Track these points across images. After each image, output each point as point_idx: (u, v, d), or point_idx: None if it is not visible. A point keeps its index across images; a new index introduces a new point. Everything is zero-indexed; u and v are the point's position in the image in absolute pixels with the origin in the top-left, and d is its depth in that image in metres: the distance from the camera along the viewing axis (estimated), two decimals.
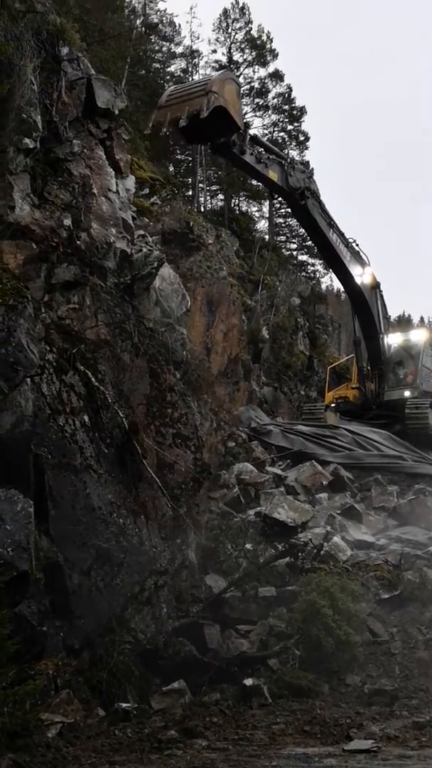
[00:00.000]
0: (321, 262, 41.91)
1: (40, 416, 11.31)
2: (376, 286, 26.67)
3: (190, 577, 14.60)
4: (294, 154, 42.84)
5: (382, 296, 27.25)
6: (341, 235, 24.23)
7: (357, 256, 25.42)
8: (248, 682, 11.37)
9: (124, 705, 10.53)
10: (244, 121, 19.43)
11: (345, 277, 25.31)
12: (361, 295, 25.99)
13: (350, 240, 24.96)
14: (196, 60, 45.34)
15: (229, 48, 44.03)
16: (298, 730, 9.75)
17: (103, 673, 10.79)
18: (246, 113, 41.83)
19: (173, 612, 13.27)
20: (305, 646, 12.23)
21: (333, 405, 27.95)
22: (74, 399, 12.37)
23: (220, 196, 45.19)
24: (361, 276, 25.62)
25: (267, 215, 47.24)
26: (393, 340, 28.35)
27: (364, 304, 26.27)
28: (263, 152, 20.01)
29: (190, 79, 39.17)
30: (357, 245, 25.38)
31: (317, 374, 36.09)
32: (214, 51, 44.52)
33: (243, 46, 43.88)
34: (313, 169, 23.31)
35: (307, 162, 42.58)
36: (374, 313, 26.61)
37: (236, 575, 14.70)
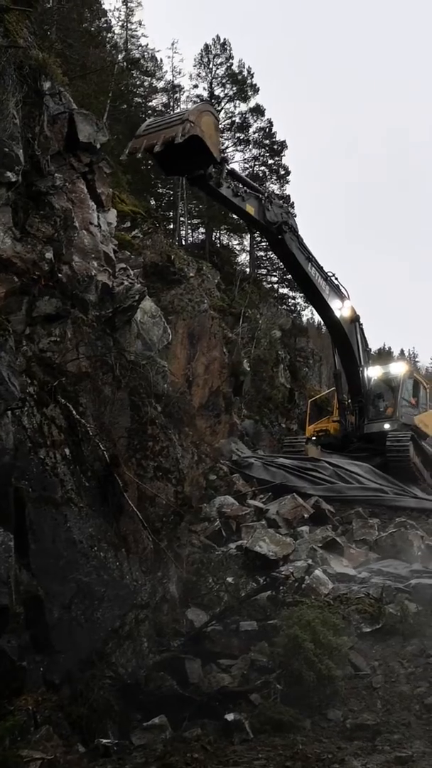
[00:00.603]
0: (302, 295, 42.14)
1: (21, 449, 11.26)
2: (355, 319, 26.85)
3: (171, 611, 14.48)
4: (275, 188, 43.32)
5: (361, 329, 27.43)
6: (320, 268, 24.36)
7: (336, 290, 25.57)
8: (230, 717, 11.21)
9: (104, 741, 10.39)
10: (223, 155, 19.56)
11: (324, 310, 25.44)
12: (340, 328, 26.14)
13: (329, 273, 25.09)
14: (177, 95, 46.04)
15: (211, 83, 44.58)
16: (280, 765, 9.64)
17: (83, 708, 10.65)
18: (227, 147, 42.41)
19: (154, 646, 13.13)
20: (287, 681, 12.10)
21: (314, 438, 28.02)
22: (55, 432, 12.32)
23: (202, 230, 45.51)
24: (341, 309, 25.77)
25: (248, 248, 47.66)
26: (373, 372, 28.55)
27: (343, 337, 26.43)
28: (241, 186, 20.09)
29: (171, 113, 39.60)
30: (336, 279, 25.55)
31: (298, 407, 36.18)
32: (196, 86, 45.22)
33: (224, 81, 44.45)
34: (293, 202, 23.51)
35: (288, 196, 43.25)
36: (354, 346, 26.78)
37: (217, 609, 14.56)
